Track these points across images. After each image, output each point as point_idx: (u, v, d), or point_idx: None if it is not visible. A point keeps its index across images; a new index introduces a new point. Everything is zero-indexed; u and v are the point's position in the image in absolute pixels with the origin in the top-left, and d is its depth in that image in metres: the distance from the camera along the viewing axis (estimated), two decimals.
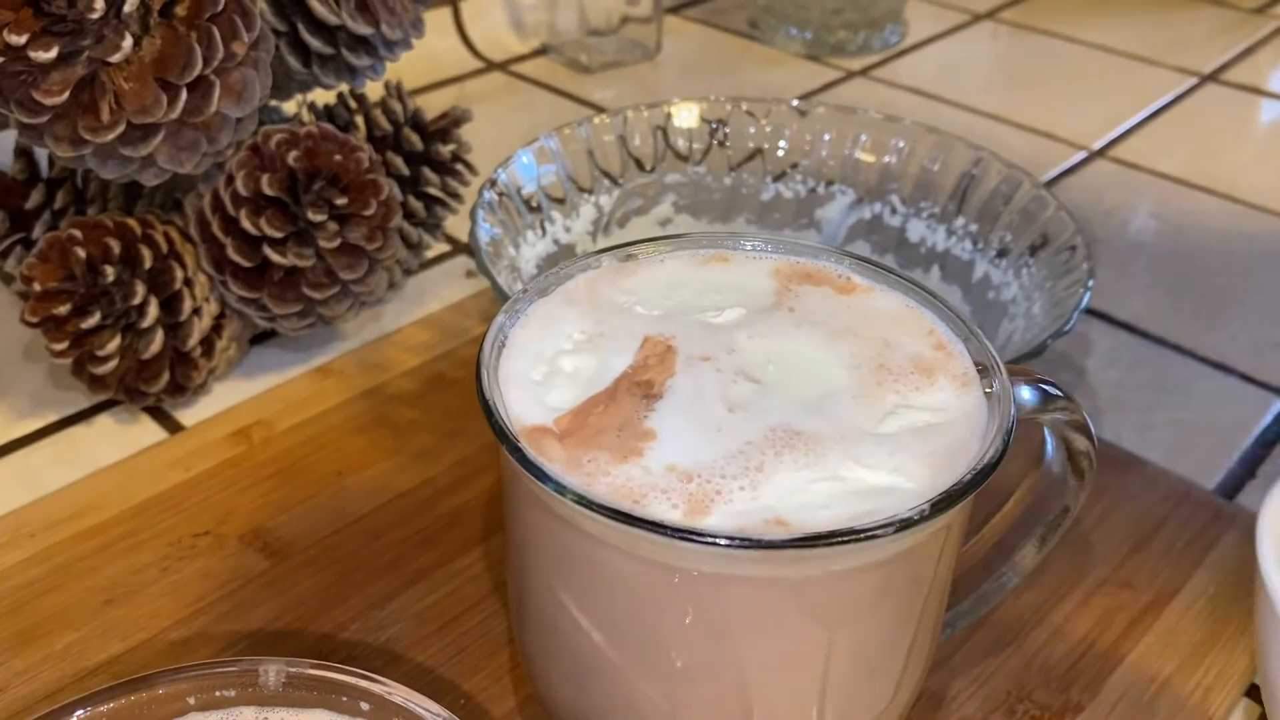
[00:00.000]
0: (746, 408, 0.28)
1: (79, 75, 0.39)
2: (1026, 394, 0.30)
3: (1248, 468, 0.49)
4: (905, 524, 0.24)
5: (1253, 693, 0.39)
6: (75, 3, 0.38)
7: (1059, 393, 0.30)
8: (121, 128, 0.40)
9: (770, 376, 0.29)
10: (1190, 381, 0.53)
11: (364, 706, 0.25)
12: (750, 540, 0.24)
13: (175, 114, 0.40)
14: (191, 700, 0.25)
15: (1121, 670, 0.38)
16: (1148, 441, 0.49)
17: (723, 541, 0.24)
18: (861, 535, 0.24)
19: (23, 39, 0.37)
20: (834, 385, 0.29)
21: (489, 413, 0.27)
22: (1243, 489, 0.47)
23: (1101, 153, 0.72)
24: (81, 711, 0.24)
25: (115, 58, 0.39)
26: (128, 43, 0.39)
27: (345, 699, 0.25)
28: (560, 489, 0.25)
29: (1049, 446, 0.33)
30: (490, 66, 0.80)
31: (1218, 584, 0.42)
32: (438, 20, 0.79)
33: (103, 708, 0.24)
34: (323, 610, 0.39)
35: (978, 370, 0.29)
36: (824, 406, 0.28)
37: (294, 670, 0.25)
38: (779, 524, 0.25)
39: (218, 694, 0.25)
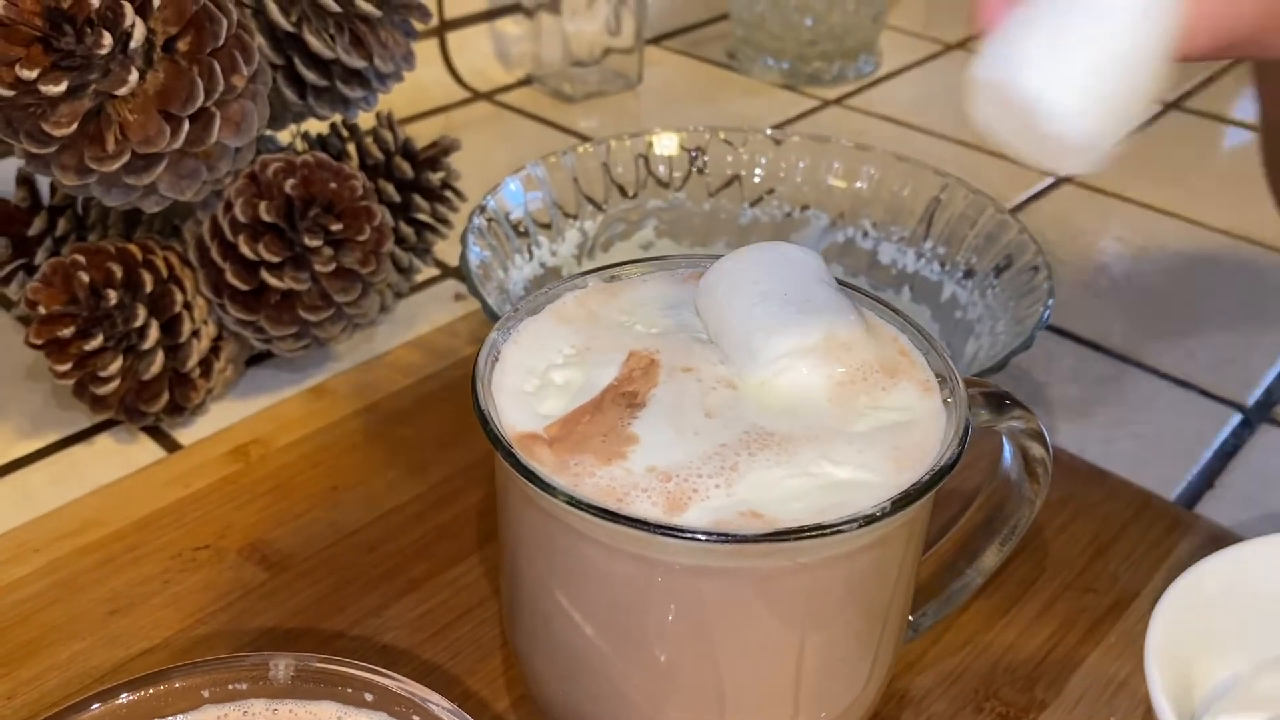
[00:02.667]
0: (723, 413, 0.30)
1: (86, 108, 0.41)
2: (983, 403, 0.32)
3: (1206, 479, 0.51)
4: (869, 519, 0.26)
5: None
6: (84, 39, 0.40)
7: (1015, 403, 0.32)
8: (126, 157, 0.42)
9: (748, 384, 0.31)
10: (1151, 396, 0.55)
11: (368, 698, 0.27)
12: (725, 535, 0.26)
13: (178, 144, 0.42)
14: (206, 693, 0.27)
15: (1084, 669, 0.40)
16: (1110, 454, 0.51)
17: (700, 536, 0.26)
18: (828, 530, 0.26)
19: (34, 74, 0.39)
20: (809, 389, 0.31)
21: (484, 421, 0.29)
22: (1201, 499, 0.49)
23: (1068, 179, 0.74)
24: (100, 704, 0.25)
25: (121, 91, 0.41)
26: (133, 77, 0.41)
27: (351, 690, 0.27)
28: (550, 490, 0.27)
29: (1006, 454, 0.35)
30: (476, 96, 0.82)
31: None
32: (425, 51, 0.81)
33: (122, 700, 0.26)
34: (320, 619, 0.41)
35: (938, 380, 0.31)
36: (798, 409, 0.30)
37: (302, 664, 0.27)
38: (753, 516, 0.27)
39: (230, 687, 0.27)
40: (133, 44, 0.40)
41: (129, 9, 0.40)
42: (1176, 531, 0.46)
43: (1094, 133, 0.25)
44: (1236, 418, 0.54)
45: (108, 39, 0.40)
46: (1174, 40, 0.25)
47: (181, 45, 0.42)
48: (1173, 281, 0.64)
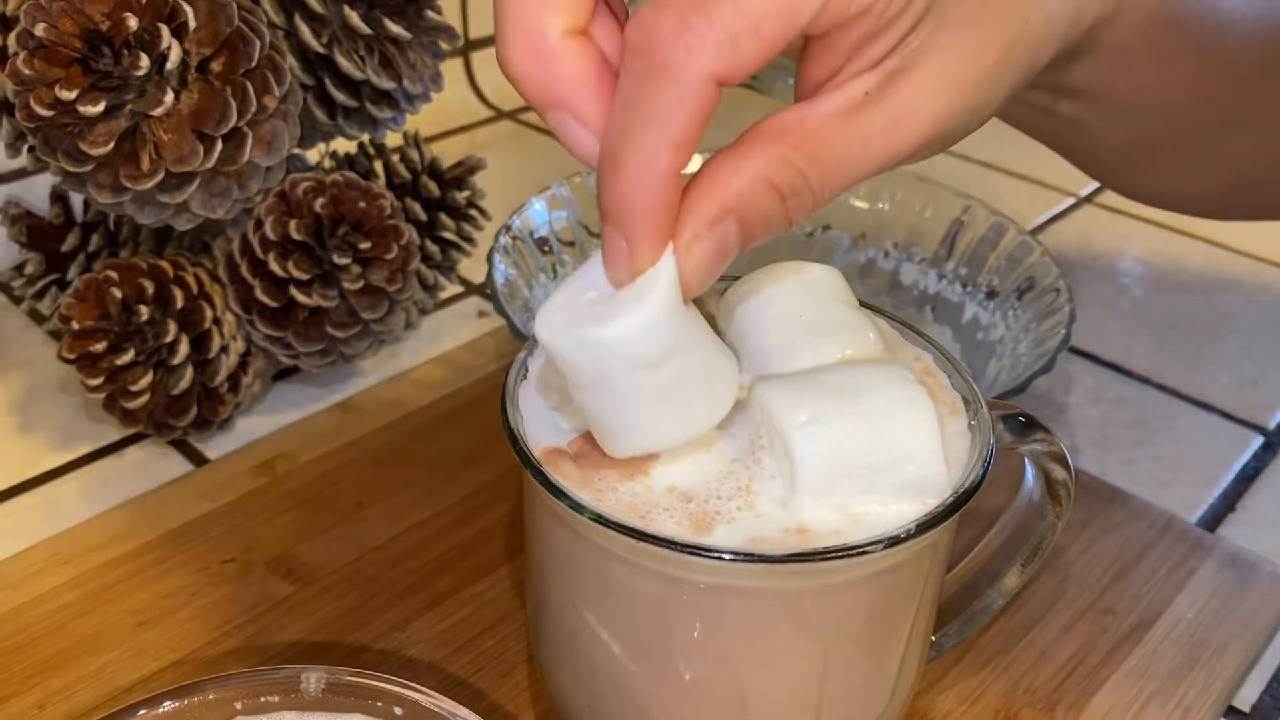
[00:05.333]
0: (739, 425, 0.30)
1: (122, 127, 0.42)
2: (1006, 426, 0.32)
3: (1228, 501, 0.51)
4: (894, 541, 0.27)
5: (1230, 713, 0.41)
6: (121, 60, 0.41)
7: (1037, 425, 0.32)
8: (160, 176, 0.43)
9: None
10: (1173, 418, 0.55)
11: (398, 711, 0.27)
12: (750, 555, 0.26)
13: (210, 163, 0.43)
14: (239, 705, 0.27)
15: (1104, 691, 0.40)
16: (1131, 476, 0.51)
17: (726, 556, 0.26)
18: (854, 551, 0.26)
19: (73, 94, 0.40)
20: None
21: (513, 439, 0.29)
22: (1223, 521, 0.50)
23: (1089, 199, 0.75)
24: (142, 713, 0.26)
25: (157, 111, 0.41)
26: (169, 97, 0.41)
27: (380, 704, 0.27)
28: (578, 507, 0.27)
29: (1029, 476, 0.35)
30: (500, 115, 0.83)
31: (1197, 610, 0.44)
32: (450, 71, 0.82)
33: (159, 710, 0.26)
34: (345, 633, 0.41)
35: (963, 402, 0.32)
36: None
37: (333, 677, 0.27)
38: (800, 532, 0.27)
39: (262, 699, 0.27)
40: (169, 65, 0.41)
41: (166, 31, 0.41)
42: (1198, 554, 0.46)
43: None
44: (1258, 440, 0.54)
45: (144, 60, 0.40)
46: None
47: (215, 66, 0.43)
48: (1194, 303, 0.64)
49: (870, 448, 0.28)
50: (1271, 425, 0.55)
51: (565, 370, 0.28)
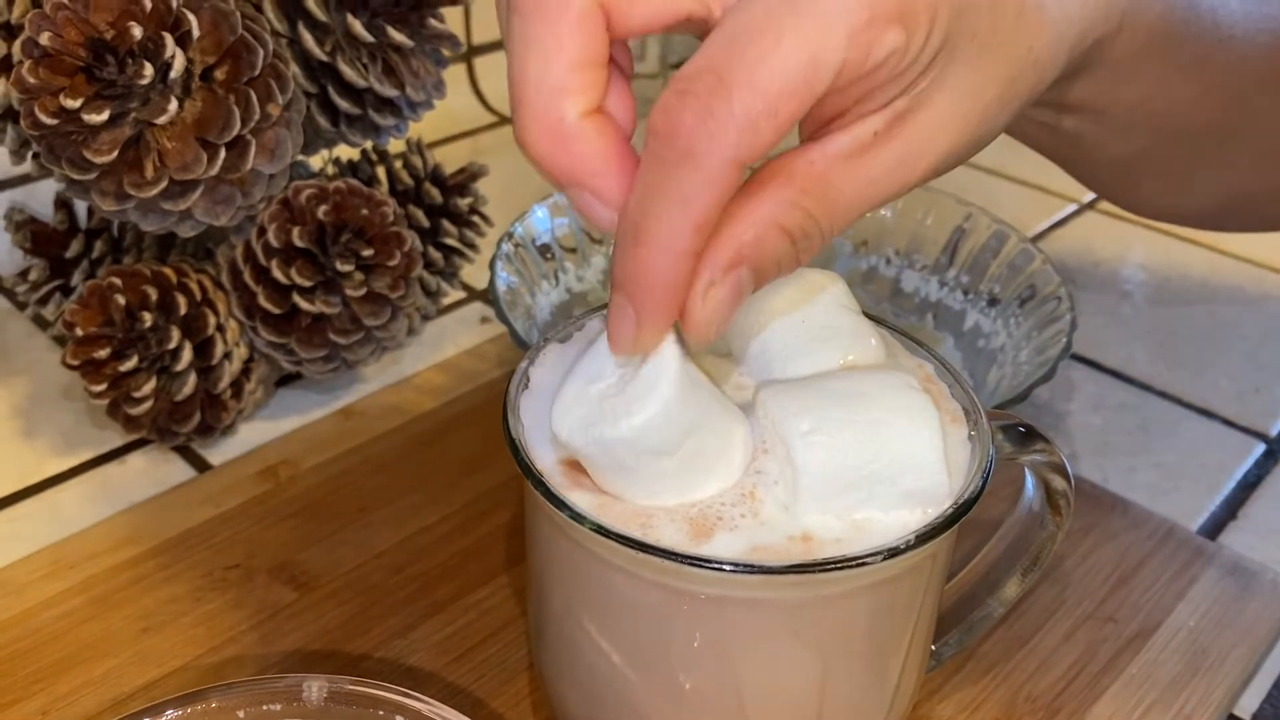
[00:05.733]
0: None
1: (126, 135, 0.42)
2: (1006, 436, 0.32)
3: (1230, 509, 0.51)
4: (893, 552, 0.27)
5: None
6: (126, 69, 0.41)
7: (1037, 435, 0.33)
8: (164, 184, 0.43)
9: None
10: (1174, 426, 0.55)
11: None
12: (750, 566, 0.26)
13: (214, 171, 0.43)
14: (241, 714, 0.27)
15: (1105, 700, 0.40)
16: (1133, 483, 0.51)
17: (726, 567, 0.26)
18: (853, 562, 0.26)
19: (77, 103, 0.40)
20: None
21: (515, 449, 0.29)
22: (1224, 529, 0.50)
23: (1090, 206, 0.75)
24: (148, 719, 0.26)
25: (161, 119, 0.42)
26: (173, 105, 0.42)
27: (382, 712, 0.27)
28: (579, 518, 0.27)
29: (1029, 486, 0.35)
30: (503, 120, 0.83)
31: (1198, 618, 0.44)
32: (453, 76, 0.82)
33: (163, 718, 0.26)
34: (347, 639, 0.41)
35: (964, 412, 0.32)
36: None
37: (334, 686, 0.27)
38: (805, 540, 0.27)
39: (265, 708, 0.27)
40: (172, 74, 0.41)
41: (170, 40, 0.41)
42: (1199, 562, 0.46)
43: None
44: (1260, 448, 0.54)
45: (149, 69, 0.41)
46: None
47: (219, 75, 0.43)
48: (1196, 311, 0.64)
49: (872, 457, 0.28)
50: (1273, 433, 0.55)
51: (584, 462, 0.29)
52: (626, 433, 0.27)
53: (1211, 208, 0.46)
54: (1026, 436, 0.32)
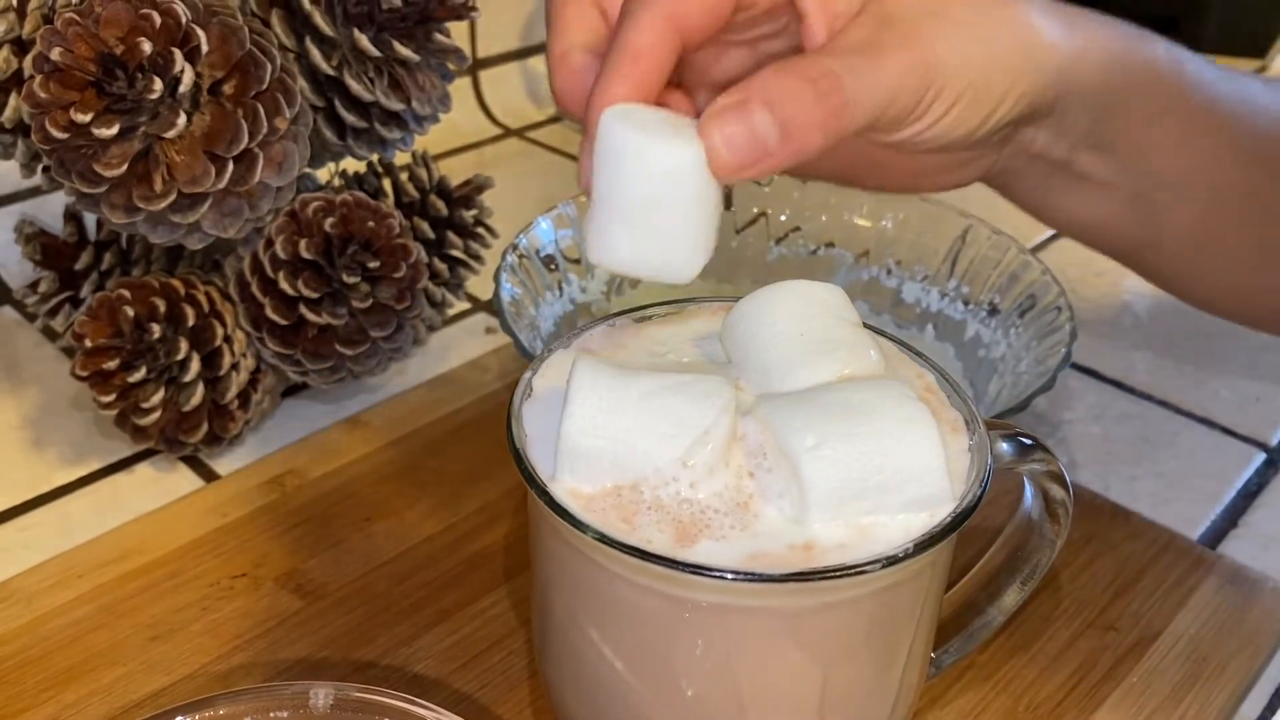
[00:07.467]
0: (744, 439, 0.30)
1: (136, 149, 0.42)
2: (1005, 445, 0.32)
3: (1230, 518, 0.51)
4: (893, 560, 0.27)
5: None
6: (135, 84, 0.41)
7: (1036, 445, 0.33)
8: (173, 197, 0.43)
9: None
10: (1174, 435, 0.56)
11: None
12: (751, 574, 0.27)
13: (222, 184, 0.44)
14: None
15: (1106, 708, 0.41)
16: (1133, 493, 0.51)
17: (727, 575, 0.27)
18: (853, 570, 0.27)
19: (88, 117, 0.41)
20: None
21: (518, 458, 0.30)
22: (1225, 539, 0.50)
23: None
24: None
25: (170, 133, 0.42)
26: (181, 119, 0.42)
27: None
28: (581, 527, 0.28)
29: (1028, 495, 0.36)
30: (508, 133, 0.84)
31: (1199, 626, 0.44)
32: (458, 89, 0.83)
33: None
34: (353, 648, 0.42)
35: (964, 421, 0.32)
36: None
37: (341, 693, 0.28)
38: (806, 548, 0.28)
39: (272, 715, 0.28)
40: (181, 88, 0.42)
41: (179, 55, 0.42)
42: (1199, 571, 0.46)
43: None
44: (1260, 457, 0.55)
45: (158, 84, 0.41)
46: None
47: (227, 89, 0.44)
48: (1196, 320, 0.64)
49: (876, 468, 0.28)
50: (1273, 442, 0.55)
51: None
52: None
53: None
54: (1025, 446, 0.33)
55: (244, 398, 0.51)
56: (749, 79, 0.31)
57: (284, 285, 0.48)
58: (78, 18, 0.41)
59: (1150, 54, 0.37)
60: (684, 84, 0.34)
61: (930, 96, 0.32)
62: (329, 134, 0.50)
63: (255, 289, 0.49)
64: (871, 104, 0.31)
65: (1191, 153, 0.39)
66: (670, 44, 0.32)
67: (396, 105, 0.49)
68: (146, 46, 0.41)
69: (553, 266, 0.52)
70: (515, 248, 0.50)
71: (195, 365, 0.48)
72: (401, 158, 0.57)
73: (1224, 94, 0.40)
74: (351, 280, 0.48)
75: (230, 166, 0.44)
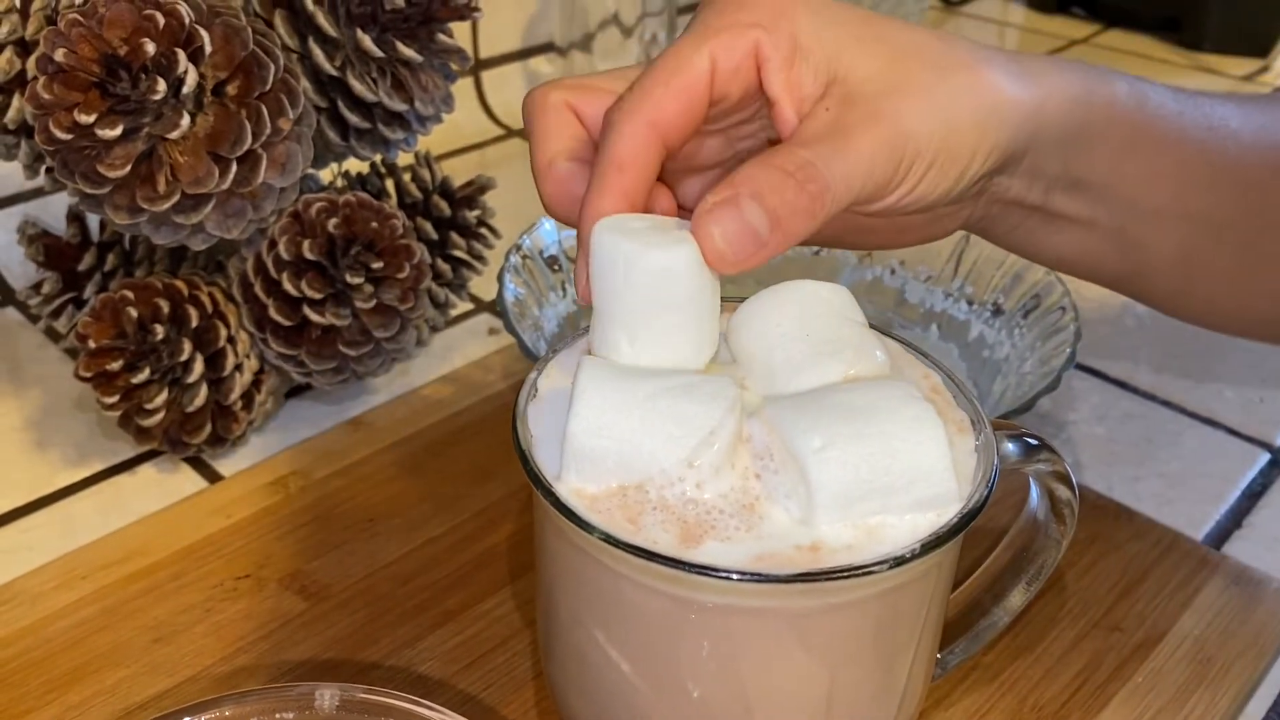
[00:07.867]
0: (750, 441, 0.30)
1: (139, 150, 0.42)
2: (1011, 446, 0.32)
3: (1234, 518, 0.51)
4: (899, 561, 0.27)
5: None
6: (139, 85, 0.41)
7: (1042, 445, 0.33)
8: (176, 198, 0.43)
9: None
10: (1179, 435, 0.56)
11: None
12: (757, 574, 0.27)
13: (225, 185, 0.44)
14: None
15: (1110, 708, 0.41)
16: (1138, 493, 0.51)
17: (733, 576, 0.27)
18: (859, 571, 0.27)
19: (91, 118, 0.41)
20: None
21: (523, 459, 0.30)
22: (1229, 539, 0.50)
23: None
24: None
25: (173, 134, 0.42)
26: (185, 120, 0.42)
27: None
28: (587, 527, 0.28)
29: (1033, 495, 0.35)
30: (510, 133, 0.84)
31: (1203, 627, 0.44)
32: (460, 89, 0.82)
33: None
34: (357, 649, 0.42)
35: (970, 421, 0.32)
36: None
37: (346, 694, 0.27)
38: (813, 549, 0.28)
39: (277, 716, 0.28)
40: (185, 89, 0.42)
41: (182, 56, 0.42)
42: (1204, 571, 0.46)
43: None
44: (1265, 457, 0.54)
45: (161, 85, 0.41)
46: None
47: (231, 90, 0.44)
48: None
49: (884, 469, 0.28)
50: (1278, 442, 0.55)
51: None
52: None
53: (1276, 313, 0.45)
54: (1031, 446, 0.33)
55: (247, 399, 0.51)
56: (732, 175, 0.31)
57: (287, 286, 0.48)
58: (81, 19, 0.41)
59: (1109, 93, 0.38)
60: (661, 174, 0.34)
61: (904, 167, 0.33)
62: (332, 134, 0.50)
63: (258, 290, 0.49)
64: (848, 185, 0.32)
65: (1165, 183, 0.40)
66: (654, 150, 0.33)
67: (399, 106, 0.49)
68: (150, 47, 0.41)
69: (556, 267, 0.52)
70: (519, 248, 0.50)
71: (199, 366, 0.48)
72: (404, 158, 0.57)
73: (1191, 122, 0.40)
74: (355, 281, 0.48)
75: (234, 167, 0.44)
